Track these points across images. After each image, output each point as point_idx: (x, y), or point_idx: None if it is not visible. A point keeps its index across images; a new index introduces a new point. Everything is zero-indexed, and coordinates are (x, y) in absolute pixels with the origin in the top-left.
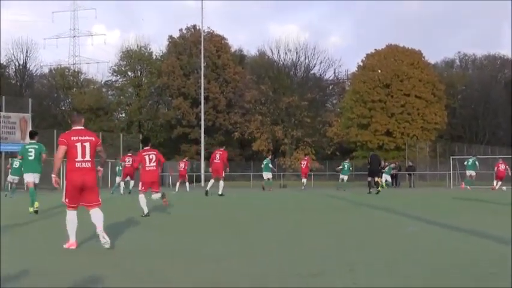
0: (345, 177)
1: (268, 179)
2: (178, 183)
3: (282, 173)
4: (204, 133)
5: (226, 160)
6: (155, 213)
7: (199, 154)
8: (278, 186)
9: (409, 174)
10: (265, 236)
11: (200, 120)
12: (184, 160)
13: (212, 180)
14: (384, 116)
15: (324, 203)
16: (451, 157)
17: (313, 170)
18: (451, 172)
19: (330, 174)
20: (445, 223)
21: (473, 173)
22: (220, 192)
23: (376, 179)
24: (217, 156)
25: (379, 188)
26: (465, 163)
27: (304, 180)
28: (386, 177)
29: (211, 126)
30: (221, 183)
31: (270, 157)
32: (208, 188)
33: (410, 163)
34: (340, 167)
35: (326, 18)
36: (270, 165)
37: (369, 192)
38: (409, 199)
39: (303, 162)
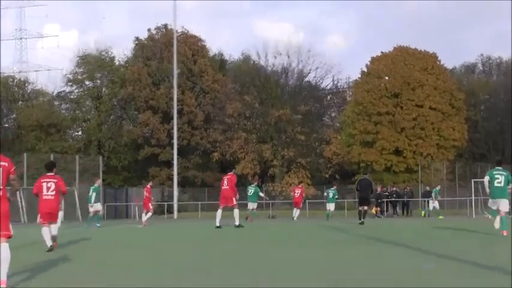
0: (332, 206)
1: (253, 209)
2: (144, 215)
3: (270, 202)
4: (178, 154)
5: (235, 185)
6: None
7: (172, 179)
8: (266, 216)
9: (424, 201)
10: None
11: (172, 138)
12: (147, 186)
13: (219, 211)
14: (392, 131)
15: (317, 235)
16: (472, 180)
17: (308, 197)
18: (473, 198)
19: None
20: (464, 259)
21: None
22: (237, 223)
23: (366, 207)
24: (225, 182)
25: (363, 220)
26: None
27: (297, 210)
28: (434, 205)
29: (185, 145)
30: (236, 212)
31: (256, 183)
32: (217, 221)
33: (427, 188)
34: (325, 194)
35: (326, 14)
36: (261, 194)
37: (361, 223)
38: (423, 230)
39: (296, 191)
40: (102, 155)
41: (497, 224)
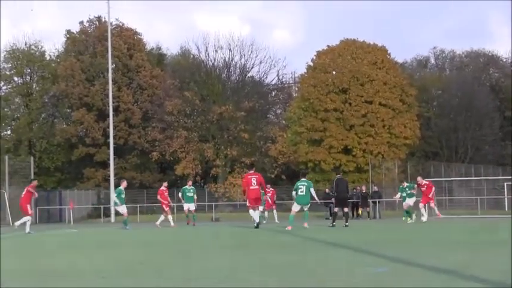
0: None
1: (190, 210)
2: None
3: (213, 203)
4: (114, 154)
5: (264, 184)
6: None
7: (108, 181)
8: (210, 219)
9: (374, 202)
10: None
11: (108, 137)
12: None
13: (251, 211)
14: (341, 128)
15: (265, 239)
16: (424, 180)
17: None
18: None
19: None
20: (422, 263)
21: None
22: (258, 221)
23: (346, 209)
24: (254, 181)
25: (347, 223)
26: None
27: (273, 212)
28: (409, 203)
29: (122, 145)
30: (257, 211)
31: (190, 183)
32: (257, 220)
33: (375, 188)
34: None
35: (270, 6)
36: (190, 194)
37: (333, 225)
38: (374, 233)
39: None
40: (33, 156)
41: None
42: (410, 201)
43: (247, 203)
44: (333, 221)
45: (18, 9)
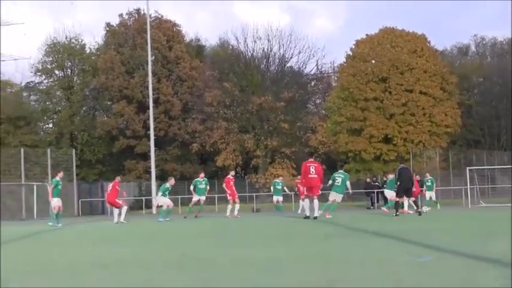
0: (280, 198)
1: (199, 202)
2: (117, 211)
3: (254, 194)
4: (155, 146)
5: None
6: None
7: (149, 172)
8: (250, 210)
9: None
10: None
11: (149, 129)
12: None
13: (307, 201)
14: (381, 118)
15: (306, 229)
16: (467, 168)
17: (293, 189)
18: (468, 187)
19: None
20: (466, 252)
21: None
22: (317, 214)
23: (410, 200)
24: (313, 169)
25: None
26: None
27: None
28: (430, 194)
29: (163, 136)
30: (316, 202)
31: (202, 175)
32: (307, 212)
33: (418, 177)
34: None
35: None
36: (202, 186)
37: (397, 214)
38: (417, 222)
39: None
40: (75, 148)
41: None
42: (428, 194)
43: (305, 191)
44: (396, 211)
45: (59, 3)
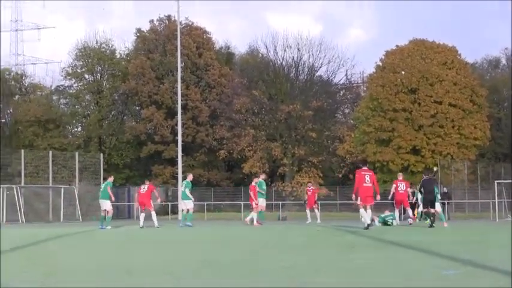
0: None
1: (188, 210)
2: (143, 215)
3: (280, 202)
4: (182, 151)
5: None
6: None
7: (176, 178)
8: (276, 218)
9: (443, 204)
10: None
11: (177, 135)
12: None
13: (362, 210)
14: (410, 129)
15: (333, 239)
16: (495, 181)
17: (320, 198)
18: (496, 200)
19: (341, 204)
20: (492, 265)
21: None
22: (369, 222)
23: (433, 210)
24: (367, 178)
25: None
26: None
27: (308, 211)
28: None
29: (190, 142)
30: (369, 212)
31: (190, 177)
32: (367, 220)
33: (445, 189)
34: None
35: (340, 5)
36: (187, 192)
37: (432, 226)
38: (444, 235)
39: (309, 190)
40: (103, 152)
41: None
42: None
43: (358, 201)
44: (432, 222)
45: (91, 9)
